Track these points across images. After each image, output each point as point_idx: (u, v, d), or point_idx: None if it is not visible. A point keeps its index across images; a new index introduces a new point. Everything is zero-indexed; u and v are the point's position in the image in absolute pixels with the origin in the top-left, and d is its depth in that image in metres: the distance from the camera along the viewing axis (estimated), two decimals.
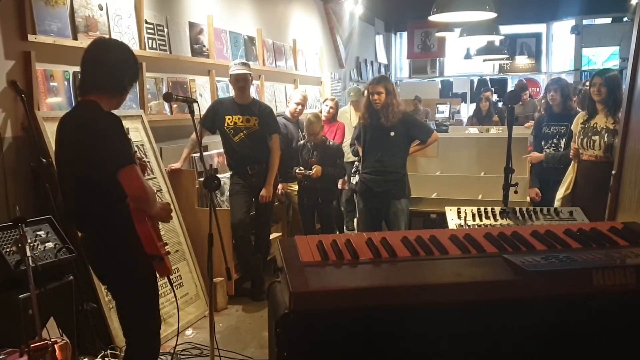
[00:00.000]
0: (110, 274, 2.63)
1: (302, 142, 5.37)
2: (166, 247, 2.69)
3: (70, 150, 2.50)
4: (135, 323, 2.65)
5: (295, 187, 5.41)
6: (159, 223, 2.80)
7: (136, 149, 4.13)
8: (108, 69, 2.52)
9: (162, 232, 4.12)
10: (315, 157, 5.11)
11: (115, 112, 2.57)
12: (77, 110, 2.61)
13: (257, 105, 4.87)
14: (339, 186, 5.68)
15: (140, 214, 2.49)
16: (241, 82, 4.73)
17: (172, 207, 3.28)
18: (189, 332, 4.10)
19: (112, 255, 2.54)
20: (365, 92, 4.84)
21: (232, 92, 4.89)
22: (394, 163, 4.37)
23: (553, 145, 4.85)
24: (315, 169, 4.97)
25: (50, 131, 3.50)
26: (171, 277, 2.94)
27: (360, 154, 4.63)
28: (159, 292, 2.75)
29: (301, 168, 5.04)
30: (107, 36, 4.10)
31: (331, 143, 5.33)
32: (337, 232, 6.18)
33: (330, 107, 6.20)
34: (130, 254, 2.51)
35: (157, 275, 2.63)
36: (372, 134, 4.40)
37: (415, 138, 4.50)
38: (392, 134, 4.32)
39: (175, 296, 3.23)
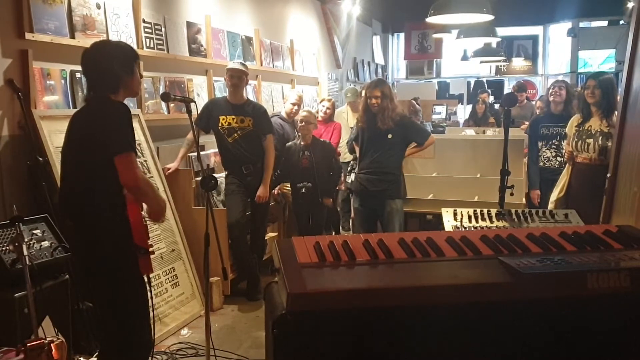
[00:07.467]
0: (96, 267, 2.59)
1: (289, 143, 5.34)
2: (150, 249, 2.68)
3: (78, 137, 2.56)
4: (118, 329, 2.56)
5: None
6: (150, 223, 2.80)
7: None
8: (101, 70, 2.59)
9: (158, 232, 4.20)
10: (306, 157, 5.10)
11: None
12: (89, 104, 2.68)
13: (251, 106, 4.86)
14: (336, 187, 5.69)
15: (135, 204, 2.55)
16: (235, 79, 4.72)
17: (167, 203, 3.25)
18: (184, 331, 4.10)
19: (99, 247, 2.52)
20: (362, 94, 4.85)
21: None
22: (390, 164, 4.40)
23: (554, 146, 4.86)
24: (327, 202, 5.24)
25: (47, 130, 3.49)
26: (151, 278, 2.88)
27: (357, 154, 4.65)
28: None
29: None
30: (105, 35, 4.10)
31: (322, 141, 5.34)
32: (334, 232, 6.19)
33: (327, 108, 6.21)
34: (119, 249, 2.51)
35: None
36: (369, 135, 4.43)
37: (412, 141, 4.52)
38: (390, 136, 4.35)
39: (151, 297, 2.74)
